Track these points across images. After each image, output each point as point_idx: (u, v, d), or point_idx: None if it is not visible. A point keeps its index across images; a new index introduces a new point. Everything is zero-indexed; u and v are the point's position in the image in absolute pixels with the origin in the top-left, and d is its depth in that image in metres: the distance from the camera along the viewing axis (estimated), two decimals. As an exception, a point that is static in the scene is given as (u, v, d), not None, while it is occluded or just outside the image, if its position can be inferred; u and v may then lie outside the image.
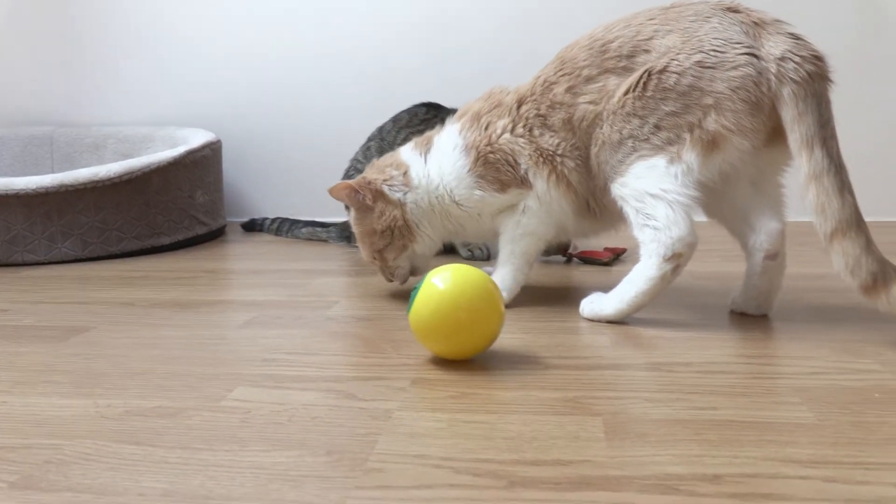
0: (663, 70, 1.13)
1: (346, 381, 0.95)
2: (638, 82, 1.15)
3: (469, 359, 1.03)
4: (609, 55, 1.20)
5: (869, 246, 1.02)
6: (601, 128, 1.19)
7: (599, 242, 1.83)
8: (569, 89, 1.23)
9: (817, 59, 1.08)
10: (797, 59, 1.07)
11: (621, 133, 1.16)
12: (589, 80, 1.21)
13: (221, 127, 2.50)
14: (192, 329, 1.22)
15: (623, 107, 1.16)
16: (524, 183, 1.28)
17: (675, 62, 1.13)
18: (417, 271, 1.41)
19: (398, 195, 1.34)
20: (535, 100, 1.27)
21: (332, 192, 1.35)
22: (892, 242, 1.92)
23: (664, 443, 0.75)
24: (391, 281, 1.42)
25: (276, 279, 1.60)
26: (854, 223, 1.02)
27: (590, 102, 1.21)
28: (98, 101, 2.60)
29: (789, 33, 1.11)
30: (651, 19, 1.19)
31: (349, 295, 1.44)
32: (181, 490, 0.68)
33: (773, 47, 1.09)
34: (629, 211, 1.16)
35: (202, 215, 2.12)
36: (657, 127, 1.13)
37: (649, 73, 1.14)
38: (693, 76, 1.11)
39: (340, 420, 0.83)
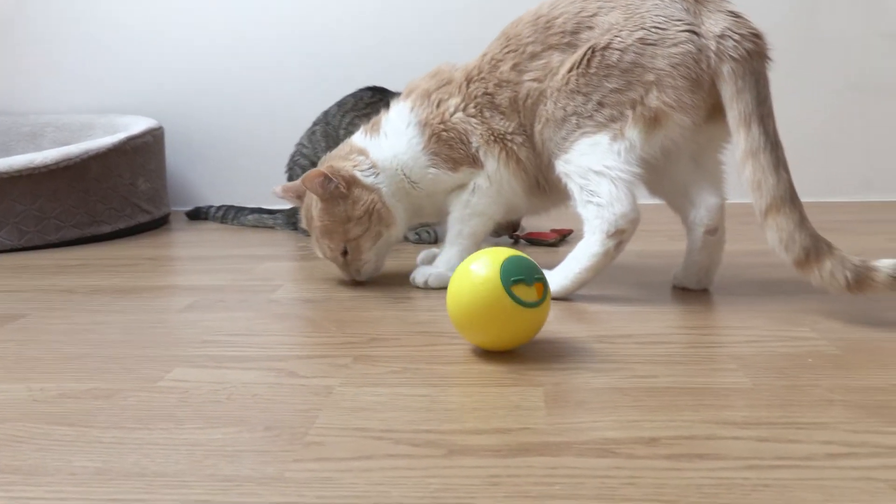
0: (606, 47, 1.14)
1: (288, 359, 0.94)
2: (582, 59, 1.15)
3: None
4: (553, 31, 1.20)
5: (803, 222, 1.04)
6: (545, 105, 1.20)
7: (547, 223, 1.84)
8: (514, 67, 1.23)
9: (756, 36, 1.10)
10: (736, 36, 1.09)
11: (565, 110, 1.17)
12: (533, 56, 1.21)
13: (164, 114, 2.44)
14: (131, 314, 1.19)
15: (567, 84, 1.17)
16: (475, 162, 1.27)
17: (618, 39, 1.13)
18: (377, 269, 1.37)
19: (371, 180, 1.29)
20: (482, 78, 1.27)
21: (306, 180, 1.25)
22: (829, 221, 1.97)
23: (603, 410, 0.75)
24: (356, 277, 1.35)
25: (220, 265, 1.58)
26: (788, 199, 1.04)
27: (534, 80, 1.21)
28: (34, 89, 2.53)
29: (729, 11, 1.12)
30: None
31: (295, 278, 1.42)
32: (114, 468, 0.66)
33: (713, 25, 1.10)
34: (573, 188, 1.17)
35: (144, 203, 2.08)
36: (600, 104, 1.14)
37: (593, 49, 1.15)
38: (635, 53, 1.12)
39: (281, 397, 0.82)
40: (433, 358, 0.93)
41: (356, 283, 1.35)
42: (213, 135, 2.48)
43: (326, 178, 1.25)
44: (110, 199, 1.97)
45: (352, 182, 1.28)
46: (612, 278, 1.33)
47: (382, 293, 1.28)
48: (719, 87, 1.10)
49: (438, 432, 0.71)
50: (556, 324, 1.07)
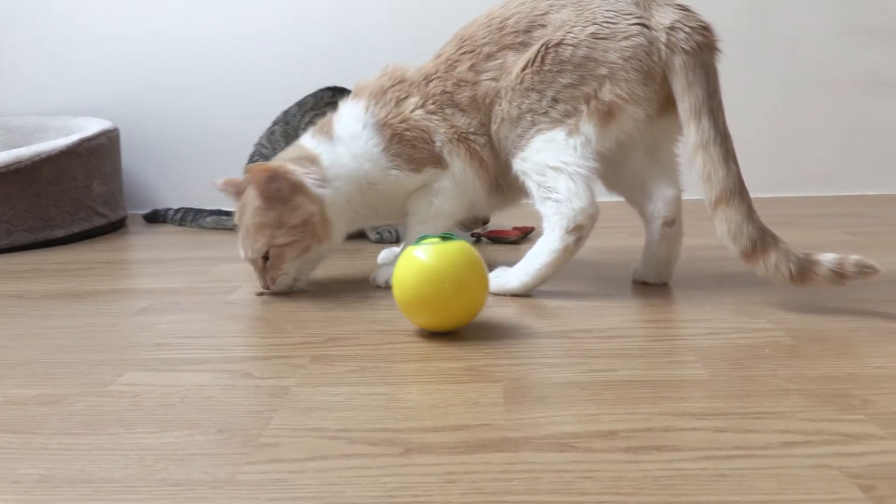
0: (559, 43, 1.14)
1: (243, 361, 0.92)
2: (535, 57, 1.15)
3: (454, 330, 1.01)
4: (507, 31, 1.20)
5: (751, 214, 1.05)
6: (500, 104, 1.20)
7: (509, 220, 1.84)
8: (471, 67, 1.22)
9: (705, 29, 1.11)
10: (687, 28, 1.10)
11: (520, 108, 1.17)
12: (489, 57, 1.21)
13: (119, 115, 2.40)
14: (83, 318, 1.16)
15: (521, 82, 1.16)
16: (439, 162, 1.25)
17: (571, 35, 1.14)
18: (297, 283, 1.28)
19: (318, 190, 1.23)
20: (440, 77, 1.25)
21: (252, 172, 1.19)
22: (783, 215, 2.00)
23: (562, 404, 0.75)
24: (268, 288, 1.26)
25: (177, 267, 1.55)
26: (737, 191, 1.06)
27: (492, 79, 1.21)
28: (-16, 91, 2.47)
29: (677, 5, 1.13)
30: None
31: (252, 279, 1.40)
32: (59, 475, 0.64)
33: (663, 17, 1.11)
34: (531, 185, 1.17)
35: (100, 206, 2.03)
36: (555, 100, 1.14)
37: (546, 46, 1.15)
38: (587, 47, 1.12)
39: (235, 399, 0.80)
40: (392, 356, 0.92)
41: (295, 287, 1.30)
42: (170, 136, 2.44)
43: (272, 177, 1.19)
44: (63, 203, 1.92)
45: (297, 188, 1.21)
46: (572, 274, 1.33)
47: (341, 293, 1.27)
48: (671, 80, 1.11)
49: (395, 431, 0.70)
50: (516, 319, 1.06)
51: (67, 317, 1.18)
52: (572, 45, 1.13)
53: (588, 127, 1.12)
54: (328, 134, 1.29)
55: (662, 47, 1.09)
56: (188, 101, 2.42)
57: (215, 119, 2.42)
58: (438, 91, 1.25)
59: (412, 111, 1.25)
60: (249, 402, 0.79)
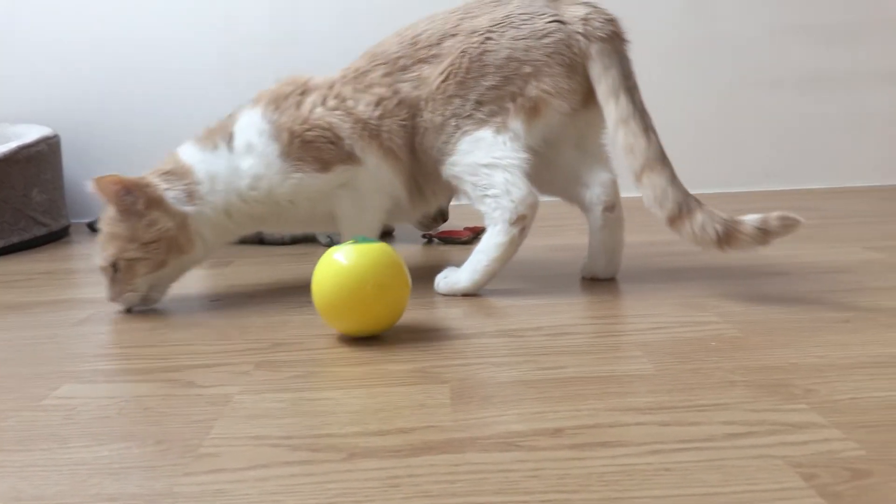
0: (481, 50, 1.16)
1: (185, 370, 0.90)
2: (455, 64, 1.17)
3: (376, 335, 0.99)
4: (420, 46, 1.22)
5: (674, 179, 1.10)
6: (422, 116, 1.20)
7: (461, 221, 1.83)
8: (386, 75, 1.22)
9: (613, 20, 1.18)
10: (600, 19, 1.16)
11: (444, 115, 1.18)
12: (405, 69, 1.22)
13: (59, 121, 2.33)
14: (18, 331, 1.13)
15: (444, 92, 1.18)
16: (351, 159, 1.21)
17: (491, 41, 1.16)
18: (150, 301, 1.21)
19: (180, 207, 1.17)
20: (347, 82, 1.24)
21: (99, 182, 1.15)
22: (731, 211, 2.02)
23: (508, 403, 0.74)
24: (114, 301, 1.18)
25: (121, 276, 1.51)
26: (660, 159, 1.11)
27: (411, 88, 1.21)
28: (-83, 99, 2.38)
29: (584, 2, 1.19)
30: (453, 12, 1.23)
31: (197, 286, 1.37)
32: (-14, 495, 0.61)
33: (575, 11, 1.18)
34: (466, 187, 1.18)
35: (40, 215, 1.98)
36: (479, 102, 1.16)
37: (464, 52, 1.17)
38: (509, 49, 1.15)
39: (175, 409, 0.78)
40: (337, 360, 0.91)
41: (147, 304, 1.21)
42: (112, 141, 2.39)
43: (125, 189, 1.14)
44: (2, 212, 1.86)
45: (154, 203, 1.16)
46: (520, 273, 1.32)
47: (287, 298, 1.24)
48: (588, 68, 1.16)
49: (340, 436, 0.69)
50: (463, 319, 1.05)
51: (3, 330, 1.14)
52: (493, 50, 1.16)
53: (516, 123, 1.15)
54: (212, 142, 1.24)
55: (580, 38, 1.15)
56: (131, 106, 2.37)
57: (159, 123, 2.37)
58: (345, 91, 1.23)
59: (311, 110, 1.21)
60: (190, 411, 0.77)
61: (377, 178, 1.24)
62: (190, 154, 1.23)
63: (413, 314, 1.09)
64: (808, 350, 0.86)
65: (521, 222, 1.14)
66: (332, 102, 1.22)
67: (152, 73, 2.36)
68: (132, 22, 2.34)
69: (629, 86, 1.14)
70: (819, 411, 0.69)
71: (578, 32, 1.15)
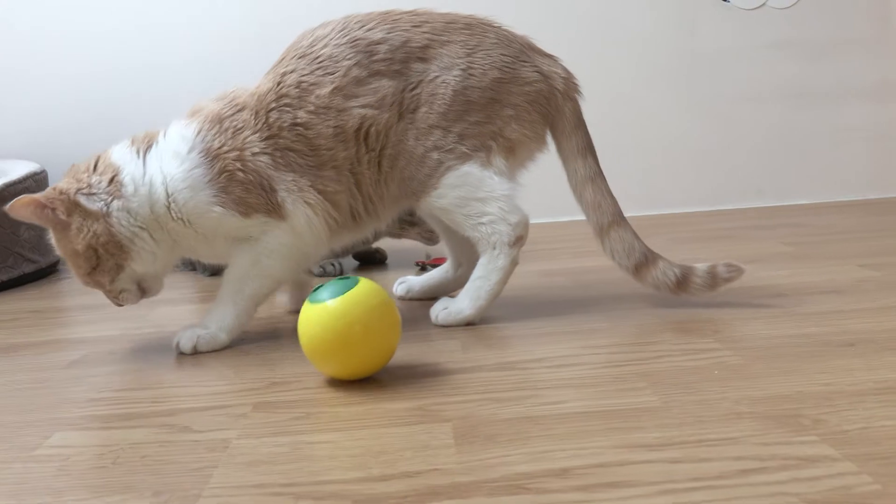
0: (464, 84, 1.15)
1: (181, 413, 0.88)
2: (436, 95, 1.15)
3: (364, 378, 0.95)
4: (378, 57, 1.15)
5: (635, 234, 1.20)
6: (391, 137, 1.16)
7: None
8: (336, 91, 1.14)
9: (578, 85, 1.25)
10: (573, 80, 1.24)
11: (424, 146, 1.16)
12: (359, 81, 1.15)
13: (47, 155, 2.30)
14: (9, 375, 1.10)
15: (424, 121, 1.15)
16: (275, 212, 1.12)
17: (473, 77, 1.16)
18: (149, 292, 1.19)
19: (98, 205, 1.09)
20: (289, 104, 1.14)
21: (13, 210, 1.09)
22: (722, 228, 2.02)
23: (513, 442, 0.73)
24: (120, 305, 1.18)
25: (113, 313, 1.48)
26: (622, 216, 1.20)
27: (367, 106, 1.14)
28: None
29: (546, 54, 1.23)
30: (415, 26, 1.18)
31: (192, 323, 1.35)
32: (-21, 557, 0.59)
33: (553, 67, 1.22)
34: (455, 218, 1.18)
35: (29, 252, 1.95)
36: (461, 136, 1.15)
37: (445, 84, 1.15)
38: (493, 90, 1.17)
39: (172, 456, 0.76)
40: (336, 399, 0.89)
41: (150, 296, 1.22)
42: (101, 176, 2.37)
43: (39, 207, 1.08)
44: (-11, 251, 1.84)
45: (72, 208, 1.09)
46: (515, 299, 1.31)
47: (281, 332, 1.23)
48: (556, 123, 1.22)
49: (343, 482, 0.67)
50: (462, 352, 1.04)
51: (-7, 374, 1.12)
52: (477, 87, 1.16)
53: (499, 160, 1.17)
54: (148, 145, 1.17)
55: (559, 94, 1.21)
56: (117, 138, 2.35)
57: (148, 156, 2.35)
58: (287, 124, 1.13)
59: (255, 154, 1.12)
60: (188, 458, 0.75)
61: (302, 235, 1.15)
62: (121, 155, 1.16)
63: (409, 348, 1.08)
64: (814, 377, 0.85)
65: (520, 242, 1.16)
66: (278, 154, 1.13)
67: (139, 104, 2.34)
68: (118, 55, 2.33)
69: (591, 146, 1.22)
70: (830, 443, 0.68)
71: (558, 89, 1.20)
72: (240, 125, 1.13)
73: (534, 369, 0.95)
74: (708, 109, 2.42)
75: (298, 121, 1.13)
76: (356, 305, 0.91)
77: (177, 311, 1.46)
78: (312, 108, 1.14)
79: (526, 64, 1.19)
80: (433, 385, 0.91)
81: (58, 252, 1.15)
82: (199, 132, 1.13)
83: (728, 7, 2.37)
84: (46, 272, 2.05)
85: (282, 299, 1.42)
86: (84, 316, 1.50)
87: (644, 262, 1.18)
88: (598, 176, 1.21)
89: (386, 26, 1.17)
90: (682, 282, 1.16)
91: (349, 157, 1.15)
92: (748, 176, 2.44)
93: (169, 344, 1.19)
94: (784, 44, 2.39)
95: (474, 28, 1.19)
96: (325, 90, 1.14)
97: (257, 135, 1.13)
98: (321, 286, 0.94)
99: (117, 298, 1.16)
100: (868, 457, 0.65)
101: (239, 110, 1.15)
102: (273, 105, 1.14)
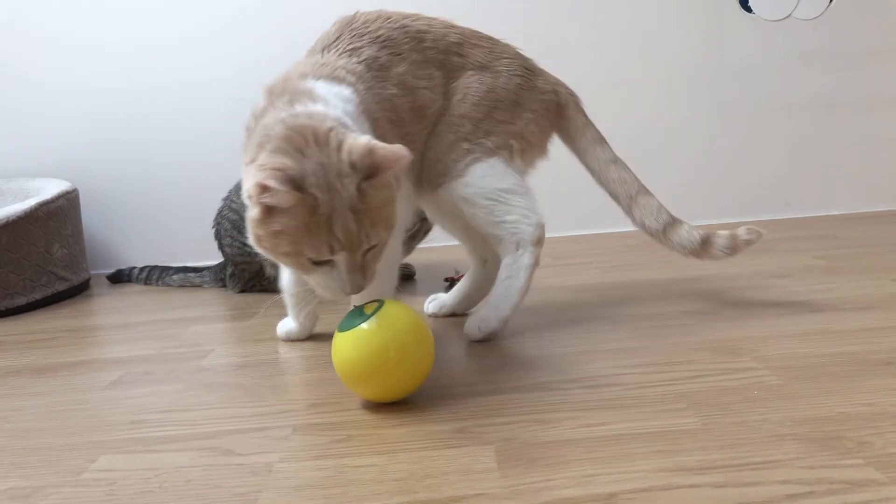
0: (493, 84, 1.22)
1: (222, 435, 0.89)
2: (471, 88, 1.20)
3: (403, 399, 0.96)
4: (427, 45, 1.21)
5: (658, 201, 1.30)
6: (437, 124, 1.21)
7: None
8: (407, 71, 1.17)
9: None
10: (576, 96, 1.33)
11: (456, 134, 1.20)
12: (419, 64, 1.19)
13: (78, 174, 2.34)
14: (50, 396, 1.12)
15: (458, 109, 1.20)
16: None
17: (503, 79, 1.22)
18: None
19: None
20: (379, 77, 1.13)
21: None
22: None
23: (556, 465, 0.73)
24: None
25: (146, 332, 1.51)
26: (645, 187, 1.30)
27: (427, 89, 1.19)
28: (-64, 157, 2.40)
29: (551, 75, 1.31)
30: (447, 27, 1.24)
31: (226, 341, 1.37)
32: (36, 583, 0.60)
33: (556, 83, 1.31)
34: (477, 211, 1.20)
35: (62, 270, 1.98)
36: (488, 132, 1.20)
37: (481, 81, 1.21)
38: (516, 94, 1.23)
39: (217, 480, 0.77)
40: (377, 421, 0.90)
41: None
42: (132, 192, 2.40)
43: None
44: (24, 270, 1.87)
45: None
46: (548, 317, 1.31)
47: (318, 352, 1.23)
48: (567, 127, 1.31)
49: (388, 507, 0.68)
50: (498, 372, 1.04)
51: (33, 395, 1.13)
52: (505, 89, 1.22)
53: (518, 160, 1.23)
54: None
55: (567, 106, 1.30)
56: (149, 155, 2.38)
57: (177, 172, 2.38)
58: (383, 96, 1.12)
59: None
60: (233, 483, 0.76)
61: (404, 198, 1.16)
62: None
63: (445, 367, 1.08)
64: (855, 397, 0.85)
65: (541, 242, 1.21)
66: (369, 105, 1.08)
67: (168, 120, 2.37)
68: (148, 73, 2.36)
69: (604, 138, 1.32)
70: (876, 466, 0.68)
71: (565, 102, 1.29)
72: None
73: (570, 390, 0.95)
74: (735, 121, 2.41)
75: (388, 94, 1.14)
76: (388, 327, 0.91)
77: (210, 329, 1.48)
78: (395, 82, 1.15)
79: (539, 77, 1.28)
80: (472, 406, 0.91)
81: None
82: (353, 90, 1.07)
83: (753, 18, 2.37)
84: (79, 289, 2.07)
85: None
86: (117, 335, 1.52)
87: (671, 222, 1.28)
88: (618, 158, 1.30)
89: (423, 21, 1.23)
90: (706, 243, 1.26)
91: (419, 133, 1.20)
92: (776, 187, 2.43)
93: (204, 362, 1.20)
94: (811, 54, 2.38)
95: (494, 41, 1.27)
96: (401, 68, 1.17)
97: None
98: (349, 313, 0.94)
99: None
100: (916, 481, 0.64)
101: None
102: (369, 78, 1.12)
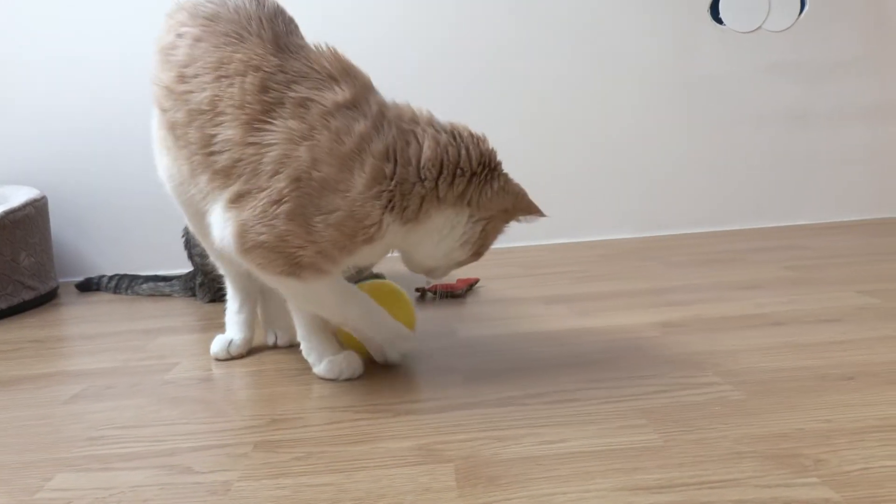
0: None
1: (181, 453, 0.88)
2: None
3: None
4: None
5: None
6: None
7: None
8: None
9: None
10: None
11: None
12: None
13: (47, 181, 2.31)
14: (8, 411, 1.10)
15: None
16: None
17: None
18: None
19: None
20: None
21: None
22: (724, 251, 2.03)
23: (515, 484, 0.73)
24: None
25: (112, 343, 1.49)
26: None
27: None
28: None
29: None
30: None
31: (192, 353, 1.35)
32: None
33: None
34: None
35: (28, 279, 1.95)
36: None
37: None
38: None
39: (174, 499, 0.76)
40: (337, 438, 0.89)
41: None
42: (101, 200, 2.37)
43: None
44: (-11, 278, 1.84)
45: None
46: (516, 328, 1.31)
47: (283, 365, 1.22)
48: None
49: (344, 528, 0.67)
50: (464, 386, 1.04)
51: (-7, 409, 1.12)
52: None
53: None
54: None
55: None
56: (119, 164, 2.36)
57: (148, 181, 2.35)
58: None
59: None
60: (190, 502, 0.75)
61: None
62: None
63: (410, 380, 1.08)
64: (814, 413, 0.85)
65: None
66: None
67: (140, 131, 2.34)
68: (119, 81, 2.34)
69: None
70: (831, 485, 0.68)
71: None
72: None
73: (534, 405, 0.95)
74: (706, 132, 2.43)
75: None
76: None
77: (177, 340, 1.46)
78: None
79: None
80: (434, 422, 0.91)
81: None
82: None
83: (724, 30, 2.39)
84: (46, 298, 2.05)
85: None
86: (82, 346, 1.50)
87: None
88: None
89: None
90: None
91: None
92: (747, 197, 2.45)
93: (168, 376, 1.19)
94: (782, 66, 2.41)
95: None
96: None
97: None
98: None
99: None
100: (870, 500, 0.65)
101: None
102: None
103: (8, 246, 1.90)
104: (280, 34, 1.03)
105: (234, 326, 1.31)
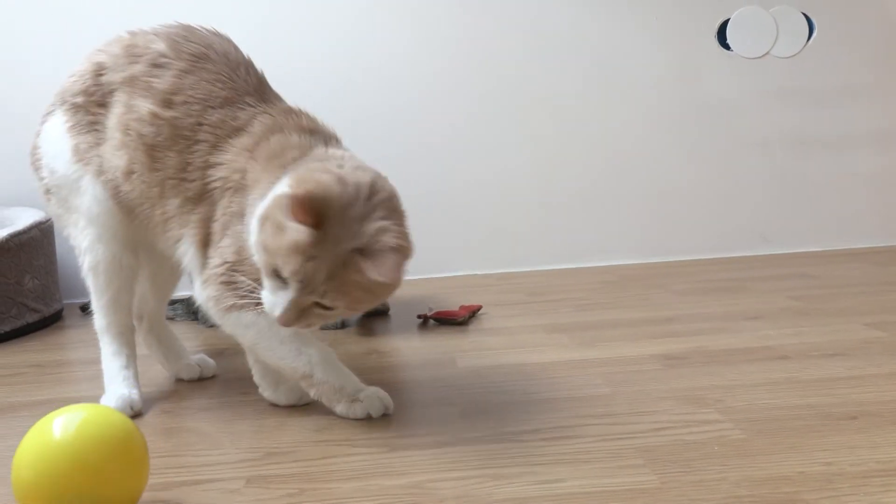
0: None
1: (174, 487, 0.87)
2: None
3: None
4: None
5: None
6: None
7: (456, 299, 1.82)
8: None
9: None
10: None
11: None
12: None
13: (53, 204, 2.32)
14: (4, 440, 1.10)
15: None
16: None
17: None
18: None
19: None
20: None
21: None
22: (728, 279, 2.01)
23: (508, 528, 0.72)
24: None
25: (112, 368, 1.48)
26: None
27: None
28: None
29: None
30: None
31: (191, 381, 1.34)
32: None
33: None
34: None
35: (32, 301, 1.96)
36: None
37: None
38: None
39: (162, 538, 0.75)
40: (331, 473, 0.88)
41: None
42: (107, 223, 2.37)
43: None
44: (-7, 301, 1.84)
45: None
46: (517, 359, 1.30)
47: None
48: None
49: (332, 572, 0.66)
50: (462, 420, 1.03)
51: (-11, 437, 1.11)
52: None
53: None
54: None
55: None
56: (125, 187, 2.36)
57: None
58: None
59: None
60: (177, 541, 0.74)
61: None
62: None
63: (408, 413, 1.07)
64: (816, 455, 0.83)
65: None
66: None
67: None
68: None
69: None
70: (830, 533, 0.67)
71: None
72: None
73: (530, 441, 0.93)
74: (712, 157, 2.43)
75: None
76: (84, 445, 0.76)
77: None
78: None
79: None
80: (428, 459, 0.90)
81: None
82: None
83: (731, 56, 2.39)
84: (51, 320, 2.05)
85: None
86: (83, 371, 1.50)
87: None
88: None
89: None
90: None
91: None
92: (753, 223, 2.44)
93: (166, 404, 1.18)
94: (789, 92, 2.40)
95: None
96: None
97: None
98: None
99: None
100: (869, 551, 0.63)
101: None
102: None
103: (12, 269, 1.90)
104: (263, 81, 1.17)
105: (125, 382, 1.19)
